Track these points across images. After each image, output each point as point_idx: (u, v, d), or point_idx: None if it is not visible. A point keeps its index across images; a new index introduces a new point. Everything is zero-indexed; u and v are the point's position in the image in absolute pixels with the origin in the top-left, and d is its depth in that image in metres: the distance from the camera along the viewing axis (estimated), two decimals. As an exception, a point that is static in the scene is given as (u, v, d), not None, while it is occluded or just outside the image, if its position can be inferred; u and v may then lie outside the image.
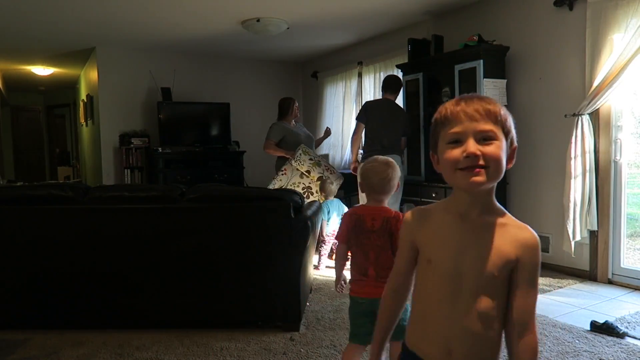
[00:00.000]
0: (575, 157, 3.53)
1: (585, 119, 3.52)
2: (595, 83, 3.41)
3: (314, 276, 3.76)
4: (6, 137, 9.65)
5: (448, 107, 0.97)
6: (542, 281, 3.62)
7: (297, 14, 4.74)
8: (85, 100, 7.46)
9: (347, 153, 6.10)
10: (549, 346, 2.48)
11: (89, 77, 7.11)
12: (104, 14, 4.67)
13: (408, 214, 1.07)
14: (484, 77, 3.96)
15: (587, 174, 3.54)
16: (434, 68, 4.51)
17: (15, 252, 2.71)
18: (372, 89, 5.85)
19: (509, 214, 1.01)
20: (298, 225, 2.68)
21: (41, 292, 2.72)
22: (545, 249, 3.96)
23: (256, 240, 2.70)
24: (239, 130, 6.80)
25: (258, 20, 4.82)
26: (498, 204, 1.00)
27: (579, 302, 3.18)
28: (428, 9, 4.65)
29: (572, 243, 3.55)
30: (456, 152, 0.93)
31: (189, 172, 6.13)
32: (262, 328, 2.73)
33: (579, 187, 3.54)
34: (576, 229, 3.54)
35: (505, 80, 4.09)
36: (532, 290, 0.96)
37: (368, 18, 4.96)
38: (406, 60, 4.79)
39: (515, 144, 0.98)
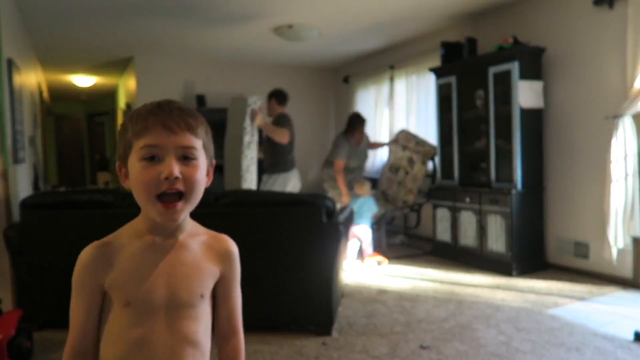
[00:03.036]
0: (616, 161, 3.41)
1: (627, 120, 3.40)
2: (637, 83, 3.29)
3: (346, 281, 3.76)
4: (50, 145, 10.08)
5: (143, 113, 0.83)
6: (581, 289, 3.51)
7: (328, 19, 4.77)
8: (124, 108, 7.72)
9: (377, 157, 6.08)
10: (589, 356, 2.40)
11: (127, 85, 7.36)
12: (141, 25, 4.83)
13: (86, 254, 0.86)
14: (520, 79, 3.88)
15: (629, 178, 3.41)
16: (467, 71, 4.45)
17: (60, 255, 2.82)
18: (404, 93, 5.82)
19: (202, 227, 0.95)
20: (330, 230, 2.69)
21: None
22: (584, 256, 3.83)
23: (289, 244, 2.73)
24: (272, 135, 6.87)
25: (290, 27, 4.88)
26: (190, 219, 0.92)
27: (621, 310, 3.06)
28: (461, 11, 4.60)
29: (614, 250, 3.42)
30: (152, 172, 0.80)
31: (223, 178, 6.23)
32: (294, 332, 2.75)
33: (620, 191, 3.41)
34: (618, 235, 3.41)
35: (542, 82, 4.00)
36: (236, 295, 0.96)
37: (399, 22, 4.94)
38: (439, 64, 4.74)
39: (214, 160, 0.91)
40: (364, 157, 5.07)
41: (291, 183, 4.22)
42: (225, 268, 0.93)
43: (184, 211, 0.84)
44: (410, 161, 4.98)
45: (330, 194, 4.77)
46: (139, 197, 0.83)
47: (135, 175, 0.82)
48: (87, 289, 0.85)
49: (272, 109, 4.31)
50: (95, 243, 0.87)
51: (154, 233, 0.87)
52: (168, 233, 0.88)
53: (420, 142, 4.98)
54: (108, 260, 0.85)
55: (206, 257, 0.91)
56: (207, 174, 0.89)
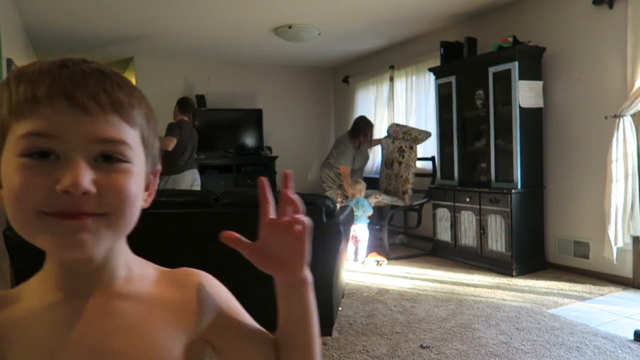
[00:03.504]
0: (616, 160, 3.42)
1: (627, 120, 3.40)
2: (638, 83, 3.29)
3: (346, 281, 3.76)
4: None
5: (30, 74, 0.49)
6: (582, 288, 3.51)
7: (328, 19, 4.78)
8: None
9: (377, 157, 6.08)
10: (590, 355, 2.40)
11: (127, 86, 7.35)
12: (141, 24, 4.84)
13: None
14: (520, 79, 3.88)
15: (630, 178, 3.41)
16: (466, 71, 4.45)
17: (60, 255, 2.82)
18: (403, 93, 5.82)
19: (154, 266, 0.64)
20: (330, 230, 2.69)
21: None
22: (584, 255, 3.83)
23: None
24: (272, 135, 6.88)
25: (290, 27, 4.88)
26: (134, 256, 0.63)
27: (621, 310, 3.06)
28: (460, 11, 4.60)
29: (614, 249, 3.42)
30: (39, 178, 0.47)
31: (223, 178, 6.25)
32: (295, 332, 2.75)
33: (620, 191, 3.42)
34: (618, 234, 3.41)
35: (542, 82, 4.00)
36: (242, 315, 0.66)
37: (399, 22, 4.94)
38: (438, 64, 4.74)
39: (159, 165, 0.60)
40: (366, 158, 5.20)
41: (183, 184, 4.61)
42: (213, 305, 0.62)
43: (102, 237, 0.50)
44: (401, 150, 5.01)
45: (328, 194, 4.83)
46: (14, 220, 0.49)
47: (10, 182, 0.48)
48: None
49: (175, 116, 4.75)
50: None
51: (66, 284, 0.54)
52: (91, 281, 0.54)
53: (407, 131, 5.00)
54: (3, 326, 0.53)
55: (168, 314, 0.57)
56: (147, 188, 0.57)
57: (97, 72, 0.50)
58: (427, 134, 4.86)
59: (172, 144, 4.43)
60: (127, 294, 0.56)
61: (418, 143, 4.91)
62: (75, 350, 0.52)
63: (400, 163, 5.00)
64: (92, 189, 0.47)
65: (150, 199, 0.58)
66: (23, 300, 0.55)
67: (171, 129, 4.53)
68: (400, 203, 4.86)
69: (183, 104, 4.75)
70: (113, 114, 0.49)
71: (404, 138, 5.00)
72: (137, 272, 0.59)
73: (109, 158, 0.50)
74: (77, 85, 0.48)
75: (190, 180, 4.69)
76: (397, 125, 5.17)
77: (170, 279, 0.61)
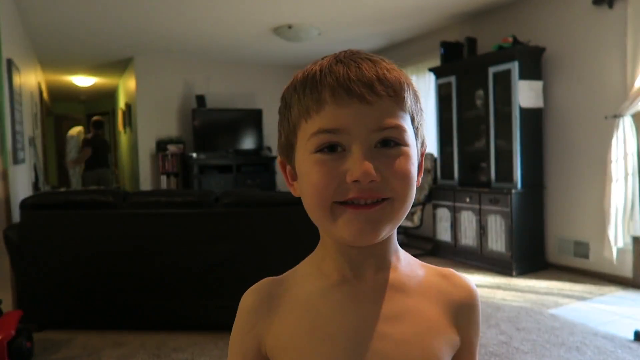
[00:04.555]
0: (616, 160, 3.41)
1: (627, 120, 3.40)
2: (638, 83, 3.29)
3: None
4: (50, 145, 10.08)
5: (313, 74, 0.53)
6: (581, 288, 3.51)
7: (328, 19, 4.77)
8: (124, 108, 7.72)
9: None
10: (590, 355, 2.40)
11: (127, 86, 7.36)
12: (141, 25, 4.83)
13: (244, 302, 0.59)
14: (520, 79, 3.88)
15: (630, 178, 3.41)
16: (466, 71, 4.45)
17: (59, 256, 2.83)
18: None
19: (414, 258, 0.62)
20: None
21: (83, 294, 2.83)
22: (584, 255, 3.83)
23: (289, 244, 2.73)
24: (272, 136, 6.88)
25: (290, 27, 4.88)
26: (398, 246, 0.60)
27: (621, 310, 3.06)
28: (460, 11, 4.60)
29: (614, 249, 3.42)
30: (332, 173, 0.51)
31: (223, 178, 6.24)
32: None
33: (620, 191, 3.42)
34: (618, 234, 3.41)
35: (542, 82, 4.00)
36: None
37: (399, 22, 4.94)
38: (438, 64, 4.74)
39: (426, 144, 0.60)
40: None
41: (91, 178, 6.53)
42: (467, 330, 0.58)
43: (390, 222, 0.53)
44: None
45: None
46: (312, 210, 0.54)
47: (305, 177, 0.53)
48: (244, 351, 0.58)
49: (90, 131, 6.80)
50: (259, 284, 0.59)
51: (342, 268, 0.56)
52: (366, 267, 0.56)
53: None
54: (274, 311, 0.57)
55: (437, 310, 0.57)
56: (419, 168, 0.56)
57: (368, 61, 0.53)
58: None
59: (83, 157, 6.59)
60: (400, 280, 0.57)
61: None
62: (357, 334, 0.53)
63: None
64: (378, 177, 0.50)
65: (419, 180, 0.57)
66: (297, 285, 0.58)
67: (84, 143, 6.62)
68: (409, 224, 4.85)
69: (95, 123, 6.80)
70: (388, 99, 0.52)
71: None
72: (404, 260, 0.60)
73: (387, 143, 0.52)
74: (353, 77, 0.51)
75: (98, 176, 6.55)
76: None
77: (441, 275, 0.61)
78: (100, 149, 6.64)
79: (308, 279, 0.58)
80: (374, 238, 0.52)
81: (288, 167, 0.59)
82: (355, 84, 0.50)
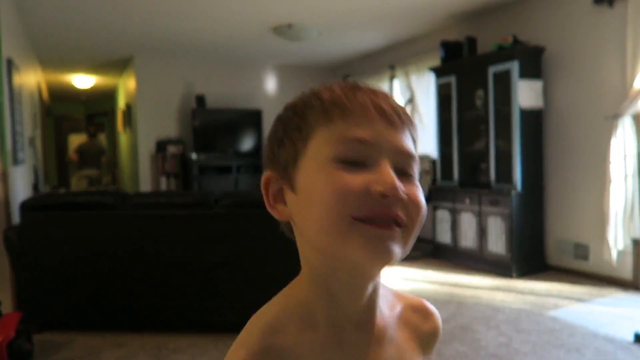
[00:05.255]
0: (615, 161, 3.41)
1: (627, 120, 3.40)
2: (637, 83, 3.29)
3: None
4: (50, 146, 10.08)
5: (338, 90, 0.52)
6: (581, 290, 3.51)
7: (328, 19, 4.77)
8: (124, 108, 7.71)
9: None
10: (590, 357, 2.40)
11: (127, 86, 7.35)
12: (141, 24, 4.83)
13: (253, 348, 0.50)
14: (519, 78, 3.88)
15: (629, 179, 3.41)
16: (466, 70, 4.45)
17: (59, 256, 2.82)
18: (404, 93, 5.81)
19: (387, 287, 0.58)
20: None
21: (83, 295, 2.82)
22: (584, 257, 3.83)
23: (289, 245, 2.72)
24: (271, 136, 6.86)
25: (290, 27, 4.88)
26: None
27: (621, 312, 3.06)
28: (460, 10, 4.60)
29: (614, 251, 3.42)
30: (354, 183, 0.47)
31: (223, 179, 6.24)
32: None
33: (620, 192, 3.41)
34: (618, 236, 3.41)
35: (542, 82, 3.99)
36: None
37: (399, 21, 4.94)
38: (438, 63, 4.74)
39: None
40: None
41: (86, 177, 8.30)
42: (428, 355, 0.60)
43: (402, 251, 0.48)
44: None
45: None
46: (321, 226, 0.48)
47: (316, 186, 0.48)
48: None
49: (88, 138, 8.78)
50: (251, 349, 0.49)
51: (336, 315, 0.51)
52: (361, 311, 0.52)
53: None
54: None
55: (414, 346, 0.57)
56: None
57: (383, 92, 0.53)
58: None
59: (74, 158, 8.61)
60: (389, 323, 0.55)
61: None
62: None
63: None
64: (405, 197, 0.47)
65: None
66: (285, 336, 0.50)
67: (76, 148, 8.71)
68: None
69: (89, 132, 8.82)
70: (406, 129, 0.51)
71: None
72: (382, 296, 0.55)
73: (404, 170, 0.50)
74: (382, 99, 0.51)
75: (87, 175, 8.27)
76: None
77: (411, 307, 0.60)
78: (87, 153, 8.48)
79: (302, 336, 0.50)
80: (389, 261, 0.47)
81: (273, 187, 0.54)
82: (385, 106, 0.50)
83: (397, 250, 0.47)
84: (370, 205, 0.46)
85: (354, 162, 0.48)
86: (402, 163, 0.49)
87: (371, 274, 0.50)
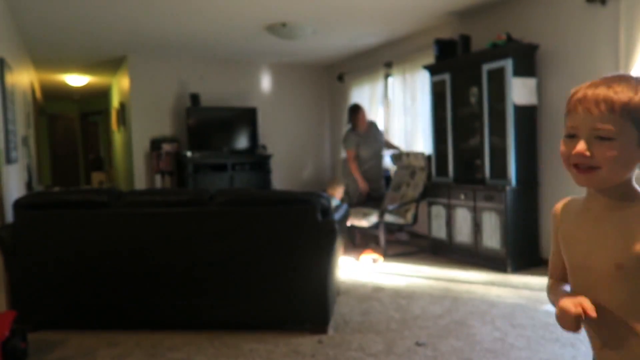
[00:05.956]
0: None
1: (620, 117, 3.42)
2: (630, 80, 3.31)
3: (342, 279, 3.76)
4: (44, 145, 10.02)
5: (572, 94, 0.93)
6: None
7: (322, 17, 4.77)
8: (118, 107, 7.68)
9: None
10: (584, 351, 2.42)
11: (120, 84, 7.32)
12: (134, 23, 4.81)
13: (558, 205, 1.05)
14: (513, 76, 3.89)
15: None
16: (461, 68, 4.46)
17: (53, 255, 2.81)
18: (399, 91, 5.82)
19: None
20: (325, 228, 2.69)
21: (78, 294, 2.81)
22: (579, 251, 3.85)
23: (284, 243, 2.73)
24: (267, 134, 6.87)
25: (284, 25, 4.87)
26: (635, 191, 0.92)
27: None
28: (454, 8, 4.61)
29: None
30: (568, 148, 0.91)
31: (217, 176, 6.23)
32: (290, 330, 2.75)
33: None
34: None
35: (536, 79, 4.01)
36: None
37: (394, 19, 4.94)
38: (433, 61, 4.75)
39: None
40: (375, 144, 5.33)
41: None
42: None
43: (595, 179, 0.89)
44: (412, 173, 5.08)
45: (346, 182, 5.26)
46: (565, 165, 0.95)
47: (560, 147, 0.94)
48: (554, 238, 1.03)
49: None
50: (567, 200, 1.04)
51: (588, 202, 0.97)
52: (599, 203, 0.94)
53: (413, 155, 5.14)
54: (562, 219, 1.01)
55: (634, 224, 0.87)
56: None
57: (605, 86, 0.90)
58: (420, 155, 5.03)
59: None
60: (617, 205, 0.92)
61: (422, 166, 4.98)
62: (582, 238, 0.95)
63: (408, 185, 5.02)
64: (587, 154, 0.87)
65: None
66: (575, 205, 1.02)
67: None
68: (401, 221, 4.85)
69: None
70: (606, 113, 0.86)
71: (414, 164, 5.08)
72: (630, 197, 0.91)
73: (602, 137, 0.85)
74: (588, 99, 0.89)
75: None
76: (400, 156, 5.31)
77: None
78: None
79: (579, 206, 1.00)
80: (586, 185, 0.93)
81: None
82: (588, 104, 0.89)
83: (587, 182, 0.92)
84: (573, 158, 0.90)
85: (571, 136, 0.92)
86: (599, 134, 0.86)
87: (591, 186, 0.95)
